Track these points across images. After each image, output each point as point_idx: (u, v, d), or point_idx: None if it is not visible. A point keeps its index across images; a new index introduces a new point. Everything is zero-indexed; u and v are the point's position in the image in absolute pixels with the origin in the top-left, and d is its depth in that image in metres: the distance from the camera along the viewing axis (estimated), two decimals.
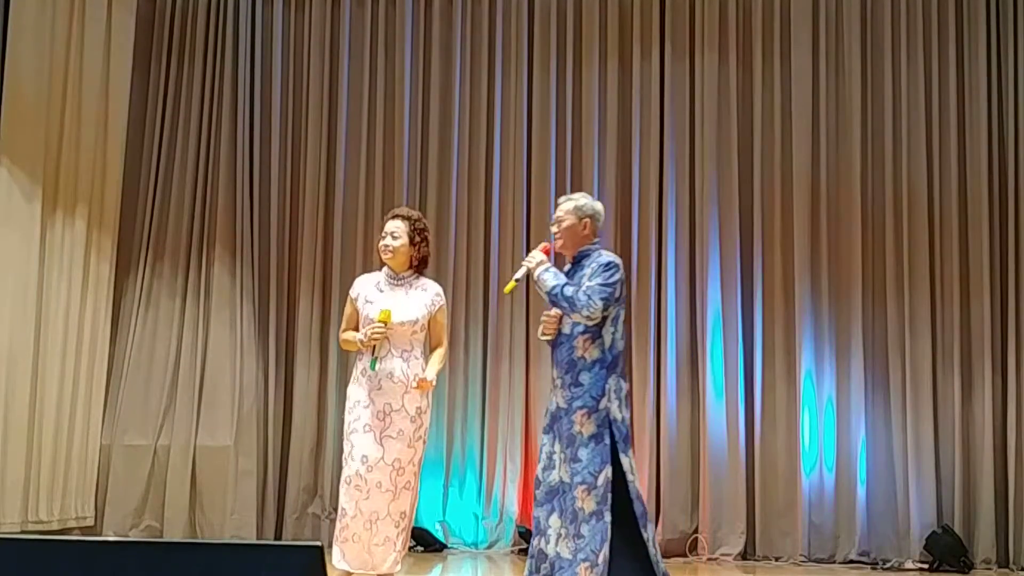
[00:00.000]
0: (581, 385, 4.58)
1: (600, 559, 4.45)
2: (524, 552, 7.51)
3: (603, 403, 4.56)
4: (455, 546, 7.66)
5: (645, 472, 7.56)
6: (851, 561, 7.32)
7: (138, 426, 7.71)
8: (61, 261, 7.10)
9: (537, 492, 4.69)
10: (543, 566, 4.61)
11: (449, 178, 8.04)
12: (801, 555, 7.36)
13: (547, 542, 4.61)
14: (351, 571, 4.79)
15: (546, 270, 4.76)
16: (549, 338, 4.75)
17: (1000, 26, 7.69)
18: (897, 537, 7.30)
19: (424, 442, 4.94)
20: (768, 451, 7.55)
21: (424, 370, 4.92)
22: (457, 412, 7.81)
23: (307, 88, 8.15)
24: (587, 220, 4.80)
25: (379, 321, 4.79)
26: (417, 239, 5.01)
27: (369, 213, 8.02)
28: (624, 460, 4.55)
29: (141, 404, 7.76)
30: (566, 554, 4.52)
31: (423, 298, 4.97)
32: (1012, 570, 7.09)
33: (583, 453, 4.52)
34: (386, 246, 4.97)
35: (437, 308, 5.00)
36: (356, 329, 4.96)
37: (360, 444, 4.77)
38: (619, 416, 4.59)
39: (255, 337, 7.88)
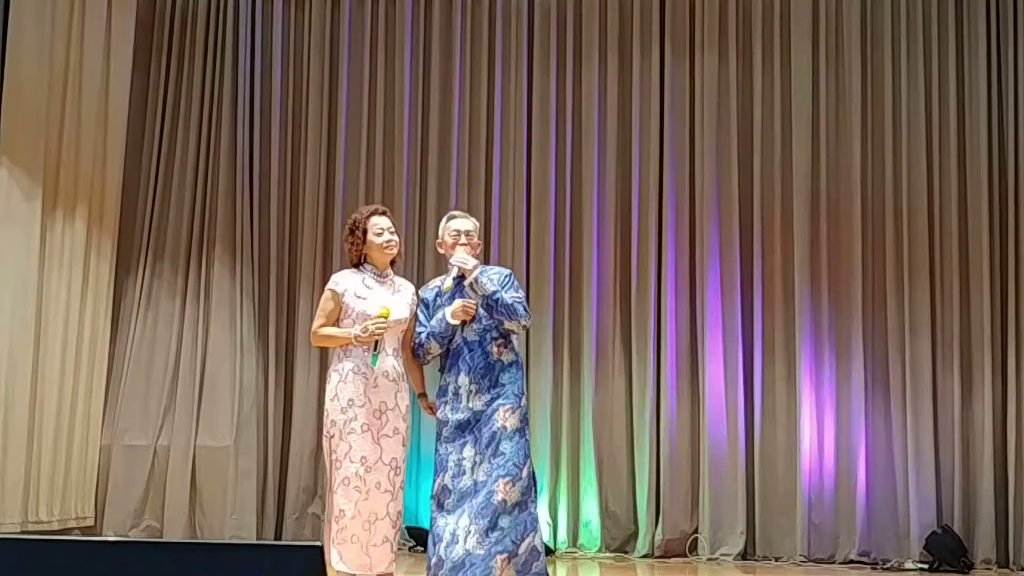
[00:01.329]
0: (502, 385, 4.77)
1: (522, 549, 4.59)
2: None
3: (523, 401, 4.80)
4: None
5: (645, 472, 7.57)
6: (851, 561, 7.32)
7: (138, 426, 7.71)
8: (61, 261, 7.10)
9: (446, 501, 4.72)
10: (440, 572, 4.63)
11: (449, 178, 8.04)
12: (801, 555, 7.36)
13: (454, 544, 4.62)
14: (349, 572, 4.77)
15: (483, 273, 4.85)
16: (456, 323, 4.79)
17: (1000, 26, 7.69)
18: (897, 537, 7.30)
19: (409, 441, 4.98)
20: (768, 451, 7.55)
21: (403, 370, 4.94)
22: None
23: (307, 88, 8.15)
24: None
25: (379, 317, 4.77)
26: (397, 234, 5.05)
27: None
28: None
29: (141, 404, 7.76)
30: (477, 550, 4.57)
31: (405, 295, 4.97)
32: (1012, 570, 7.09)
33: (507, 446, 4.68)
34: (389, 242, 4.94)
35: (415, 304, 5.01)
36: (336, 325, 4.92)
37: (358, 444, 4.75)
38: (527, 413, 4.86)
39: (255, 337, 7.88)
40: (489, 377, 4.76)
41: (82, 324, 7.32)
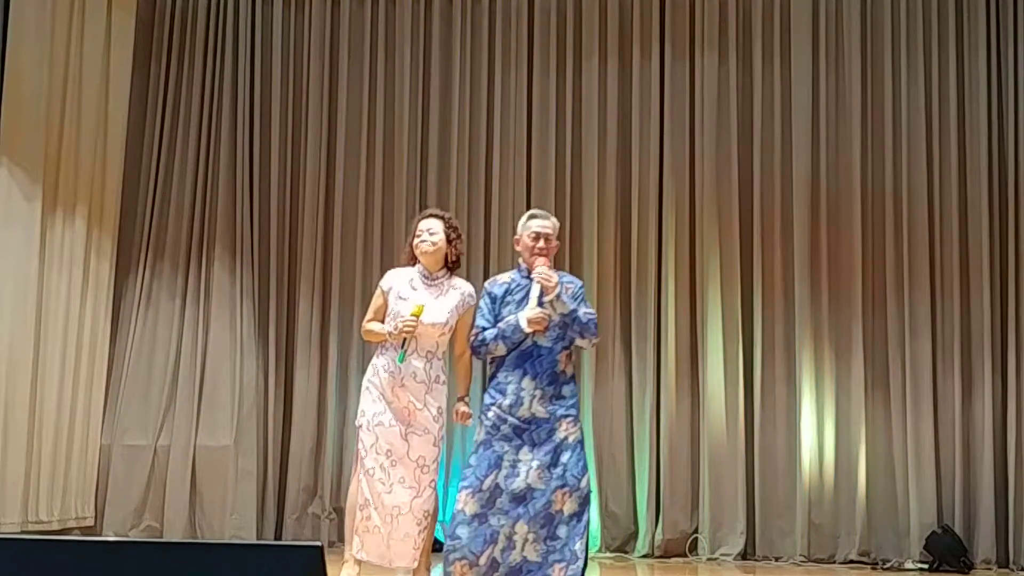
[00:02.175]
0: (564, 397, 4.75)
1: (579, 554, 4.60)
2: None
3: (579, 415, 4.81)
4: None
5: (645, 472, 7.56)
6: (851, 561, 7.32)
7: (138, 426, 7.71)
8: (61, 261, 7.10)
9: (498, 500, 4.64)
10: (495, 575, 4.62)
11: (449, 178, 8.04)
12: (801, 555, 7.36)
13: (511, 549, 4.61)
14: (370, 562, 4.79)
15: (564, 291, 4.76)
16: (530, 331, 4.69)
17: (1000, 26, 7.69)
18: (897, 537, 7.30)
19: (443, 442, 4.98)
20: (768, 451, 7.55)
21: (444, 371, 4.93)
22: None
23: (307, 88, 8.15)
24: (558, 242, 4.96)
25: (411, 315, 4.78)
26: (452, 236, 5.00)
27: (369, 213, 8.02)
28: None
29: (141, 404, 7.76)
30: (534, 557, 4.58)
31: (454, 299, 4.95)
32: (1012, 570, 7.09)
33: (567, 458, 4.66)
34: (424, 242, 4.95)
35: (467, 309, 4.97)
36: (381, 321, 4.95)
37: (386, 436, 4.78)
38: None
39: (255, 337, 7.88)
40: (554, 386, 4.73)
41: (82, 324, 7.32)
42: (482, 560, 4.62)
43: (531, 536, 4.60)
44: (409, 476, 4.78)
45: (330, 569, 2.38)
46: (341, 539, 7.57)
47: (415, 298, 4.88)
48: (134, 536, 7.44)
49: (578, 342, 4.79)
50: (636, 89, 7.96)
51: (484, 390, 4.88)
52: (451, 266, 5.04)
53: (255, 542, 6.97)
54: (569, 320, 4.71)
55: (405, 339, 4.79)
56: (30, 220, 6.81)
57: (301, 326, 7.91)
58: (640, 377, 7.69)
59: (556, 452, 4.65)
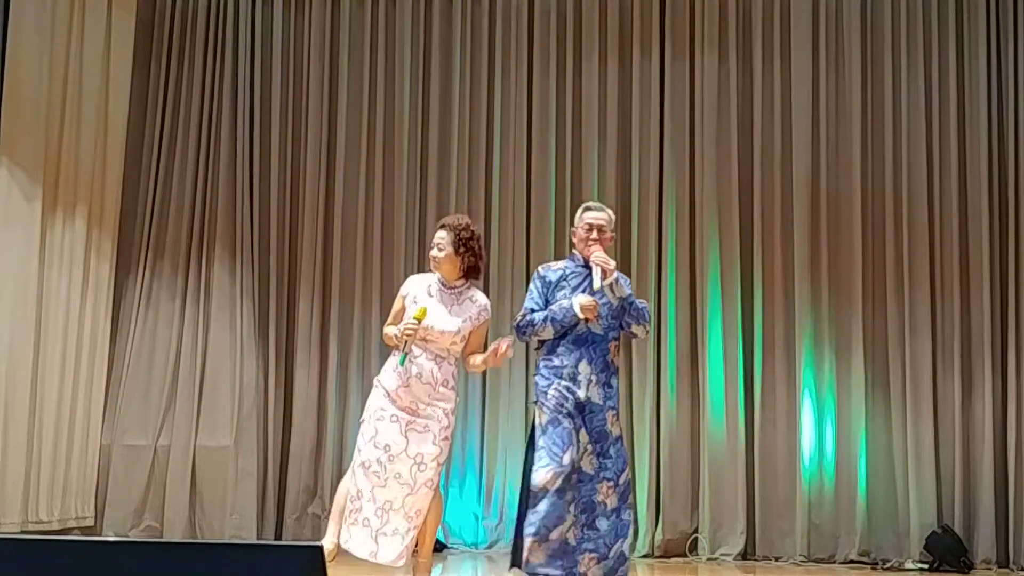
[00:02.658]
0: (612, 387, 4.83)
1: (612, 553, 4.64)
2: None
3: (621, 408, 4.90)
4: (455, 546, 7.66)
5: (645, 472, 7.56)
6: (851, 561, 7.32)
7: (138, 426, 7.71)
8: (61, 261, 7.10)
9: (573, 476, 4.69)
10: (543, 546, 4.59)
11: (449, 178, 8.04)
12: (801, 555, 7.36)
13: (560, 525, 4.63)
14: (356, 554, 4.78)
15: (622, 276, 4.90)
16: (582, 317, 4.74)
17: (1000, 26, 7.69)
18: (897, 537, 7.30)
19: (449, 442, 4.96)
20: (768, 451, 7.55)
21: (454, 376, 4.96)
22: (457, 412, 7.79)
23: (307, 88, 8.15)
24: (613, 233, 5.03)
25: (414, 318, 4.80)
26: (462, 249, 4.95)
27: (369, 213, 8.02)
28: None
29: (141, 404, 7.76)
30: (572, 542, 4.63)
31: (469, 310, 4.97)
32: (1012, 570, 7.09)
33: (612, 451, 4.76)
34: (433, 257, 5.00)
35: (481, 322, 5.00)
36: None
37: (385, 431, 4.79)
38: None
39: (255, 337, 7.88)
40: (605, 374, 4.82)
41: (82, 324, 7.32)
42: (553, 535, 4.62)
43: (572, 519, 4.65)
44: (405, 472, 4.78)
45: (330, 569, 2.38)
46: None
47: (427, 304, 4.91)
48: (134, 536, 7.44)
49: (634, 328, 4.87)
50: (636, 89, 7.96)
51: (534, 374, 4.94)
52: (467, 274, 5.03)
53: (255, 542, 6.97)
54: (626, 305, 4.82)
55: (406, 341, 4.80)
56: (30, 220, 6.82)
57: (301, 326, 7.92)
58: (640, 377, 7.69)
59: (606, 444, 4.75)
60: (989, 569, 7.12)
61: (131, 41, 7.76)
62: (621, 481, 4.75)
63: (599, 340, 4.80)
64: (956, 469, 7.31)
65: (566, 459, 4.66)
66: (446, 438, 4.91)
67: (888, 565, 7.21)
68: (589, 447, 4.74)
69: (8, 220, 6.67)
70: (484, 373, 7.86)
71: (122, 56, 7.66)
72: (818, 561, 7.35)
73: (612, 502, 4.71)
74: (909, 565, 7.19)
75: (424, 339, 4.85)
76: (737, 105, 7.90)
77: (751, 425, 7.59)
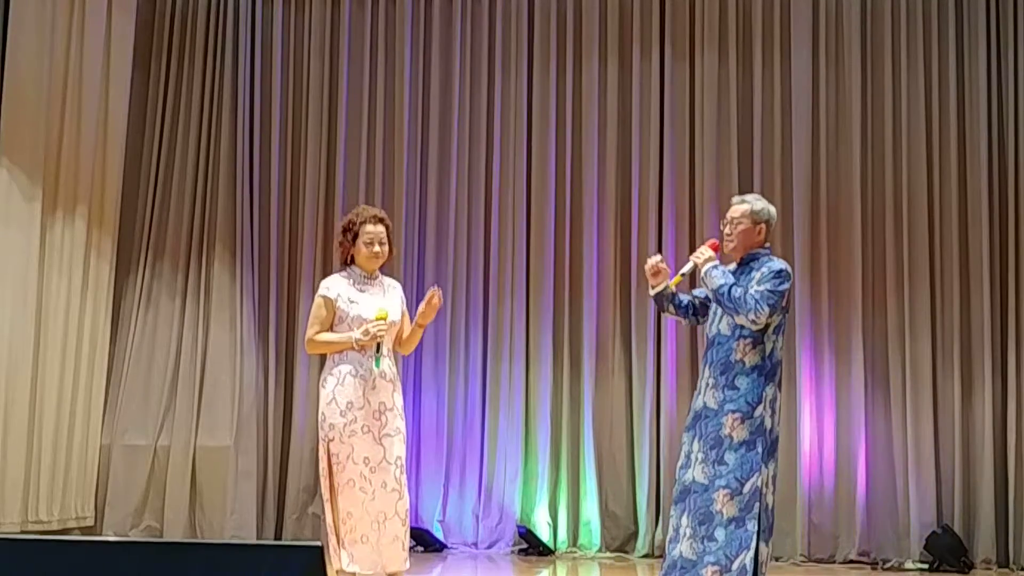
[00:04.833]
0: (736, 389, 4.51)
1: (735, 566, 4.38)
2: (524, 552, 7.53)
3: (759, 410, 4.48)
4: (455, 546, 7.66)
5: (645, 472, 7.56)
6: (851, 561, 7.32)
7: (138, 426, 7.71)
8: (61, 261, 7.10)
9: (674, 490, 4.63)
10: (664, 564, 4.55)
11: (449, 178, 8.04)
12: (801, 555, 7.36)
13: (675, 542, 4.53)
14: (361, 573, 4.77)
15: (715, 267, 4.63)
16: (659, 290, 4.75)
17: (1000, 26, 7.69)
18: (897, 537, 7.30)
19: None
20: None
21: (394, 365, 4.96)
22: (457, 412, 7.81)
23: (307, 88, 8.15)
24: (763, 225, 4.68)
25: (378, 319, 4.79)
26: (389, 241, 5.02)
27: None
28: (765, 471, 4.50)
29: (141, 404, 7.76)
30: (690, 555, 4.45)
31: (395, 296, 5.01)
32: (1012, 570, 7.09)
33: (730, 457, 4.45)
34: (376, 253, 4.94)
35: (404, 303, 5.06)
36: (330, 331, 4.93)
37: (360, 446, 4.76)
38: (769, 425, 4.52)
39: (255, 337, 7.88)
40: (727, 376, 4.53)
41: (82, 324, 7.31)
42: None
43: (689, 531, 4.47)
44: (390, 479, 4.76)
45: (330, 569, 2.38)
46: (336, 543, 7.58)
47: (365, 300, 4.88)
48: (134, 536, 7.43)
49: (737, 320, 4.53)
50: (636, 89, 7.96)
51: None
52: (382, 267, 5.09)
53: (255, 542, 6.97)
54: (719, 297, 4.56)
55: (379, 344, 4.80)
56: (30, 220, 6.81)
57: (301, 326, 7.88)
58: (640, 377, 7.69)
59: (721, 450, 4.47)
60: (989, 569, 7.11)
61: (131, 41, 7.75)
62: (745, 490, 4.41)
63: (724, 340, 4.58)
64: (956, 469, 7.31)
65: (678, 472, 4.62)
66: (405, 435, 4.94)
67: (888, 565, 7.21)
68: (701, 455, 4.50)
69: (8, 220, 6.67)
70: (483, 373, 7.88)
71: (122, 56, 7.66)
72: (818, 561, 7.35)
73: (730, 511, 4.40)
74: (909, 565, 7.19)
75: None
76: (737, 105, 7.90)
77: None
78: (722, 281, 4.57)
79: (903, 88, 7.73)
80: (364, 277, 4.95)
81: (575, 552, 7.59)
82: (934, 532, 7.15)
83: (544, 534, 7.60)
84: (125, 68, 7.71)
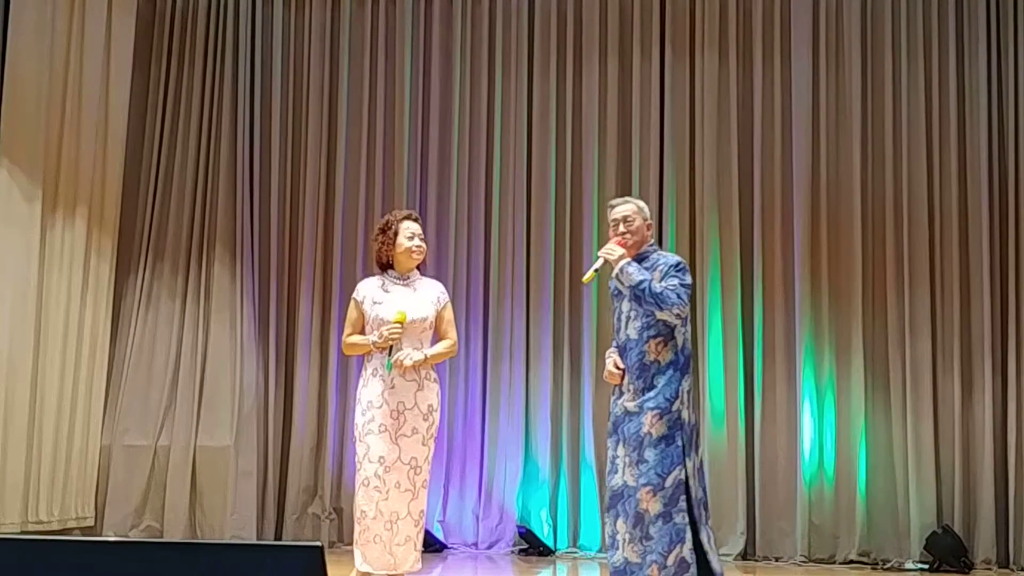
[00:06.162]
0: (655, 387, 4.57)
1: (670, 561, 4.41)
2: (524, 552, 7.53)
3: (676, 405, 4.55)
4: (455, 546, 7.66)
5: None
6: (851, 561, 7.32)
7: (138, 426, 7.71)
8: (61, 261, 7.10)
9: (606, 498, 4.67)
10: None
11: (449, 178, 8.04)
12: (801, 555, 7.36)
13: (615, 549, 4.56)
14: (373, 572, 4.78)
15: (629, 263, 4.68)
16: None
17: (1000, 26, 7.69)
18: (897, 537, 7.30)
19: (434, 440, 4.97)
20: (768, 451, 7.55)
21: (434, 369, 4.97)
22: (457, 412, 7.81)
23: (307, 88, 8.15)
24: (649, 222, 4.83)
25: (395, 322, 4.81)
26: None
27: (369, 214, 8.02)
28: (688, 463, 4.54)
29: (141, 404, 7.76)
30: (634, 558, 4.47)
31: (430, 295, 5.01)
32: (1012, 570, 7.09)
33: (650, 454, 4.49)
34: (419, 247, 5.02)
35: (443, 305, 5.04)
36: (361, 333, 4.97)
37: (376, 445, 4.78)
38: (687, 418, 4.58)
39: (255, 337, 7.88)
40: (644, 378, 4.60)
41: (82, 324, 7.31)
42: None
43: (628, 535, 4.50)
44: (404, 480, 4.79)
45: (330, 569, 2.38)
46: (341, 539, 7.60)
47: (390, 300, 4.90)
48: (134, 536, 7.44)
49: (659, 315, 4.59)
50: (636, 89, 7.96)
51: None
52: (421, 267, 5.10)
53: (255, 542, 6.97)
54: (640, 293, 4.59)
55: (392, 347, 4.81)
56: (30, 220, 6.81)
57: (301, 326, 7.92)
58: None
59: (641, 448, 4.51)
60: (989, 569, 7.11)
61: (131, 41, 7.75)
62: (668, 484, 4.45)
63: (634, 344, 4.65)
64: (956, 469, 7.31)
65: (607, 479, 4.67)
66: (432, 436, 4.92)
67: (888, 565, 7.21)
68: (627, 459, 4.54)
69: (8, 220, 6.67)
70: (483, 373, 7.88)
71: (122, 56, 7.66)
72: (818, 561, 7.35)
73: (655, 508, 4.44)
74: (909, 565, 7.19)
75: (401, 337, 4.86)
76: (737, 105, 7.90)
77: (751, 425, 7.59)
78: (640, 277, 4.62)
79: (903, 88, 7.74)
80: (397, 278, 4.98)
81: (575, 552, 7.59)
82: (934, 532, 7.15)
83: (544, 534, 7.61)
84: (125, 69, 7.71)
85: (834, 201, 7.74)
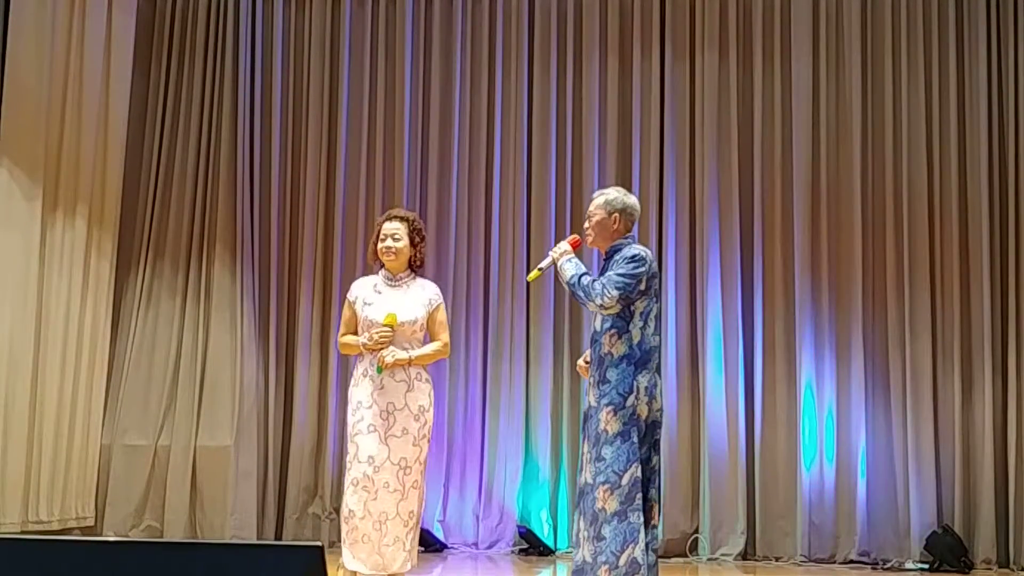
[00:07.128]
0: (608, 382, 4.44)
1: (622, 561, 4.34)
2: (524, 552, 7.53)
3: (630, 400, 4.40)
4: (455, 546, 7.66)
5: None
6: (851, 561, 7.32)
7: (138, 426, 7.71)
8: (61, 261, 7.10)
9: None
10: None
11: (449, 178, 8.04)
12: (801, 555, 7.36)
13: (577, 547, 4.53)
14: (364, 572, 4.77)
15: (568, 260, 4.64)
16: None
17: (1000, 26, 7.70)
18: (897, 537, 7.30)
19: (428, 441, 4.91)
20: (768, 451, 7.55)
21: (426, 370, 4.93)
22: (457, 412, 7.81)
23: (307, 88, 8.15)
24: (616, 215, 4.62)
25: (385, 325, 4.79)
26: (416, 239, 4.98)
27: (369, 213, 8.02)
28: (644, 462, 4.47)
29: (141, 404, 7.76)
30: (589, 558, 4.42)
31: (422, 297, 4.95)
32: (1012, 570, 7.09)
33: (607, 452, 4.38)
34: (388, 248, 4.92)
35: (435, 307, 4.98)
36: (355, 333, 4.95)
37: (365, 445, 4.77)
38: (645, 414, 4.44)
39: (255, 337, 7.88)
40: (600, 371, 4.47)
41: (82, 324, 7.31)
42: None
43: (585, 534, 4.44)
44: (392, 480, 4.76)
45: (330, 569, 2.38)
46: (341, 539, 7.59)
47: (380, 302, 4.88)
48: (134, 536, 7.44)
49: (589, 308, 4.53)
50: (636, 89, 7.96)
51: None
52: (415, 268, 5.02)
53: (255, 542, 6.97)
54: (570, 288, 4.56)
55: (381, 348, 4.79)
56: (30, 220, 6.81)
57: (301, 326, 7.92)
58: None
59: (599, 446, 4.41)
60: (989, 569, 7.12)
61: (131, 41, 7.75)
62: (623, 483, 4.35)
63: (597, 337, 4.55)
64: (956, 469, 7.31)
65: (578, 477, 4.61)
66: (424, 436, 4.86)
67: (888, 565, 7.21)
68: (588, 455, 4.46)
69: (8, 220, 6.67)
70: (483, 373, 7.87)
71: (122, 56, 7.66)
72: (818, 561, 7.35)
73: (612, 506, 4.35)
74: (909, 565, 7.19)
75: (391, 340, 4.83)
76: (737, 105, 7.90)
77: (751, 425, 7.59)
78: (572, 272, 4.58)
79: (903, 88, 7.74)
80: (388, 278, 4.96)
81: (575, 552, 7.58)
82: (934, 532, 7.16)
83: (544, 534, 7.60)
84: (125, 68, 7.71)
85: (834, 201, 7.74)
